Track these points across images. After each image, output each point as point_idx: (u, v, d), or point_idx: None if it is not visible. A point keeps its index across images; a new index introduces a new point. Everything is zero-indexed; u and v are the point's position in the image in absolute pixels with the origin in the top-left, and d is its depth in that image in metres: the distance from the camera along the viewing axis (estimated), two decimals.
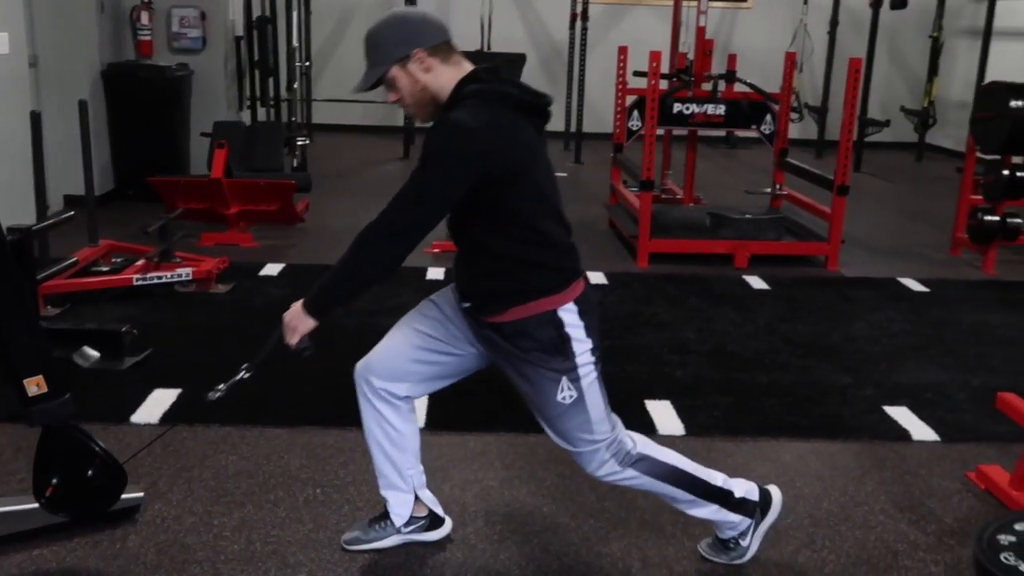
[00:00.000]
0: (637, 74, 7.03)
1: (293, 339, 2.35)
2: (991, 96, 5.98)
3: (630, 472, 2.47)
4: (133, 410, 3.52)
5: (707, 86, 6.70)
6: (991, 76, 10.16)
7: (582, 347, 2.34)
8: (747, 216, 6.31)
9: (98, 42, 6.97)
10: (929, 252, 6.63)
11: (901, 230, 7.43)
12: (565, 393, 2.34)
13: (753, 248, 6.02)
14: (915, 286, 5.68)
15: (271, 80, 8.24)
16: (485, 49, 9.83)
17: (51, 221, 4.43)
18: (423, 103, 2.33)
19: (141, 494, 2.83)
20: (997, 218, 6.03)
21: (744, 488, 2.59)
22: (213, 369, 3.92)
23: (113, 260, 5.21)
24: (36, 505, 2.57)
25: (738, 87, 6.69)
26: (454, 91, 2.29)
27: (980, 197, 6.23)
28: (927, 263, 6.31)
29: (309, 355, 2.40)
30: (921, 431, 3.62)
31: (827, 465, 3.33)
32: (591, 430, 2.39)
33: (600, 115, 10.23)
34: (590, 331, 2.36)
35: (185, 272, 4.92)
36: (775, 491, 2.66)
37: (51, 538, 2.65)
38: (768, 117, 6.63)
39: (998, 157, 6.02)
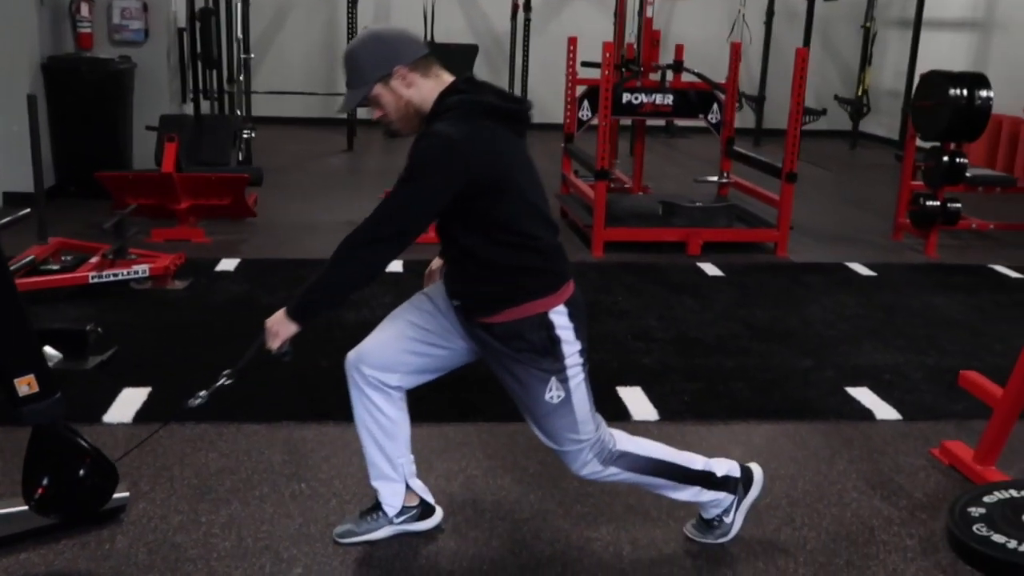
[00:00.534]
0: (585, 64, 7.09)
1: (275, 343, 2.37)
2: (931, 85, 6.16)
3: (612, 470, 2.54)
4: (104, 410, 3.47)
5: (655, 76, 6.79)
6: (921, 65, 10.46)
7: (571, 348, 2.40)
8: (698, 204, 6.43)
9: (38, 35, 6.79)
10: (872, 237, 6.81)
11: (843, 216, 7.62)
12: (553, 393, 2.40)
13: (705, 236, 6.13)
14: (862, 271, 5.84)
15: (214, 72, 8.11)
16: (428, 40, 9.80)
17: (7, 219, 4.32)
18: (407, 117, 2.38)
19: (126, 494, 2.80)
20: (938, 203, 6.23)
21: (726, 467, 2.67)
22: (181, 367, 3.92)
23: (63, 258, 5.11)
24: (19, 509, 2.52)
25: (685, 77, 6.79)
26: (435, 103, 2.33)
27: (921, 183, 6.43)
28: (871, 248, 6.49)
29: (289, 360, 2.43)
30: (884, 411, 3.74)
31: (798, 446, 3.42)
32: (576, 430, 2.45)
33: (542, 106, 10.26)
34: (579, 333, 2.41)
35: (142, 269, 4.84)
36: (756, 468, 2.75)
37: (37, 541, 2.60)
38: (715, 106, 6.75)
39: (938, 144, 6.21)
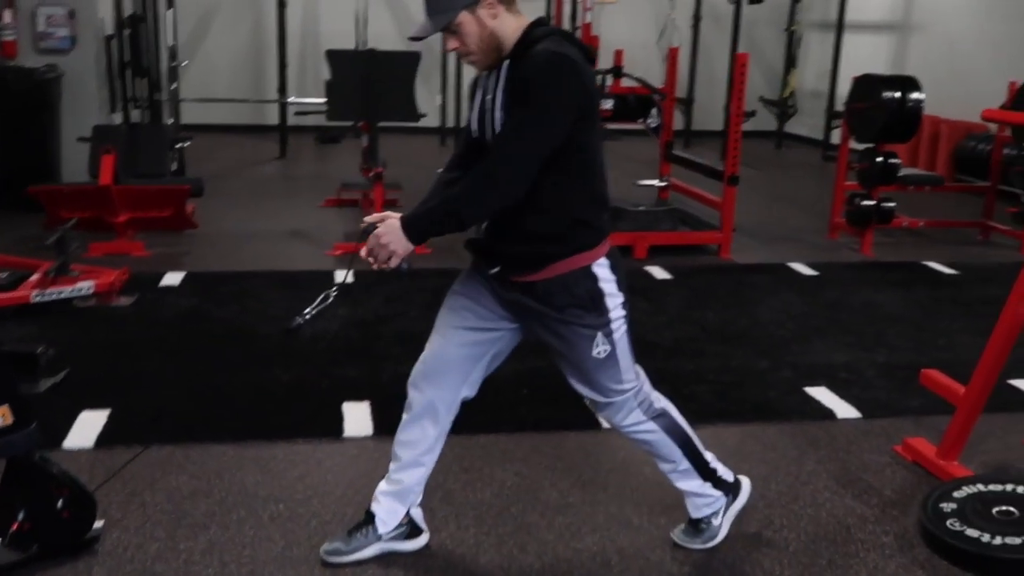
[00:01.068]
0: None
1: (393, 262, 2.29)
2: (865, 88, 6.33)
3: (651, 425, 2.58)
4: (63, 435, 3.35)
5: None
6: (844, 67, 10.75)
7: (615, 301, 2.42)
8: (642, 208, 6.49)
9: None
10: (809, 236, 6.97)
11: (778, 215, 7.77)
12: (600, 348, 2.42)
13: (651, 239, 6.19)
14: (804, 270, 5.97)
15: (145, 80, 7.91)
16: (360, 46, 9.71)
17: None
18: (488, 50, 2.32)
19: (100, 523, 2.71)
20: (873, 202, 6.40)
21: (723, 470, 2.75)
22: (138, 386, 3.81)
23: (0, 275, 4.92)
24: None
25: (625, 82, 6.86)
26: (524, 34, 2.30)
27: (855, 183, 6.59)
28: (810, 247, 6.63)
29: (406, 271, 2.35)
30: (844, 409, 3.82)
31: (766, 447, 3.48)
32: (620, 379, 2.49)
33: None
34: (620, 285, 2.43)
35: (87, 285, 4.69)
36: (745, 480, 2.83)
37: None
38: (653, 111, 6.83)
39: (872, 145, 6.38)
